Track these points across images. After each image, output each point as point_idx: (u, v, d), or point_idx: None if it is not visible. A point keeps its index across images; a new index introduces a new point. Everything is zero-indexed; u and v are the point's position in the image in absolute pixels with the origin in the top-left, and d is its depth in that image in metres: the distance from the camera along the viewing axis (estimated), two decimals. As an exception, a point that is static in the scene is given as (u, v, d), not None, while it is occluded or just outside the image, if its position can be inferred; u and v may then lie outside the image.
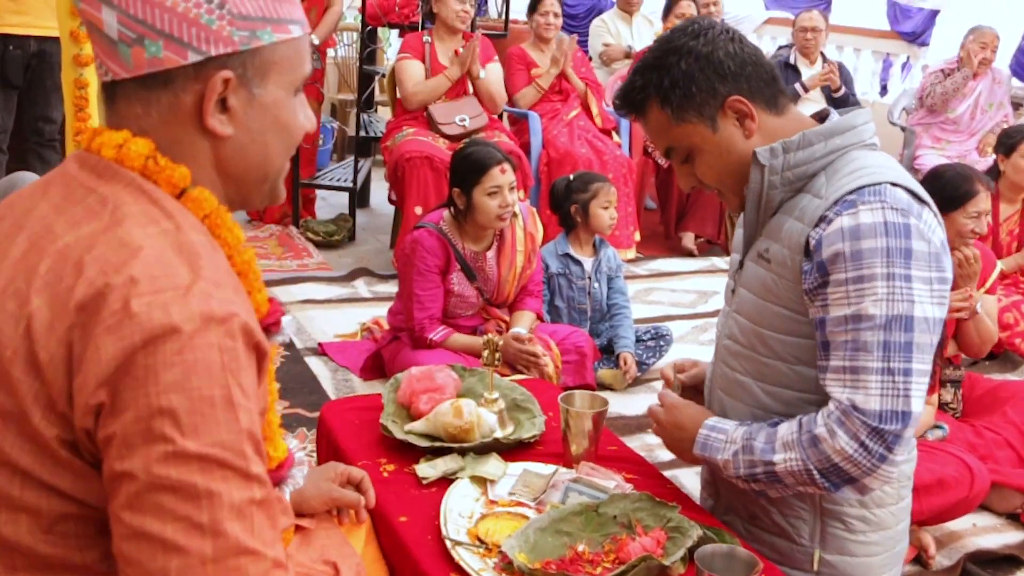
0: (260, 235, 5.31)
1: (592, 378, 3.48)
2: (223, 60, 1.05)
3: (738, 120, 1.67)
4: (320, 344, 3.84)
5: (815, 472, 1.58)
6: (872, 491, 1.67)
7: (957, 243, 2.92)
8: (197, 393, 0.93)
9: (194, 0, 1.03)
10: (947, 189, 2.90)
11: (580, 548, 1.58)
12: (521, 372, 3.11)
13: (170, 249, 0.99)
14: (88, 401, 0.93)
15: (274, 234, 5.35)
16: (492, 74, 5.00)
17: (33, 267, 0.99)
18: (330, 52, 6.29)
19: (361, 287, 4.61)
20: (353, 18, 6.85)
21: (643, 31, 6.35)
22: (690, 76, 1.65)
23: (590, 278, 3.75)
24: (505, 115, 5.37)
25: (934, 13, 7.58)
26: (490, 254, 3.35)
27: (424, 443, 1.91)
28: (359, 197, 5.75)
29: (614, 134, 5.50)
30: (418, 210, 4.44)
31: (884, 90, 7.92)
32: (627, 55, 6.17)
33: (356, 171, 5.57)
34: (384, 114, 6.32)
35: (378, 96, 6.54)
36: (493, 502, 1.75)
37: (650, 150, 5.58)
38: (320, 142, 6.06)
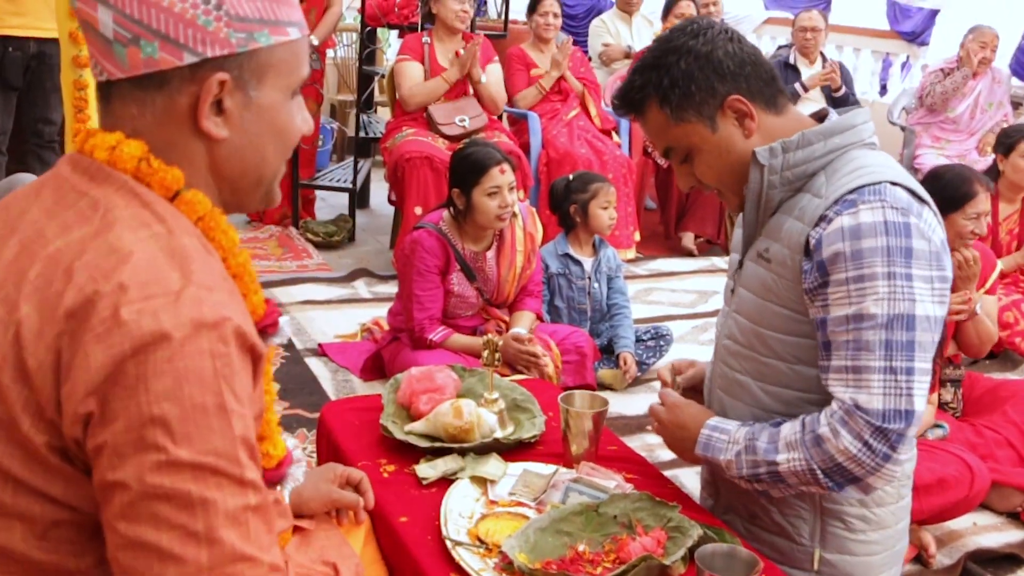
0: (260, 236, 5.31)
1: (592, 378, 3.48)
2: (219, 62, 1.04)
3: (737, 120, 1.67)
4: (320, 345, 3.84)
5: (819, 472, 1.58)
6: (876, 490, 1.67)
7: (957, 244, 2.92)
8: (189, 401, 0.92)
9: (191, 1, 1.02)
10: (946, 190, 2.90)
11: (580, 548, 1.58)
12: (521, 372, 3.11)
13: (161, 254, 0.98)
14: (77, 410, 0.92)
15: (274, 235, 5.35)
16: (492, 76, 5.00)
17: (23, 272, 0.98)
18: (329, 53, 6.29)
19: (361, 288, 4.61)
20: (352, 19, 6.84)
21: (642, 31, 6.35)
22: (689, 75, 1.65)
23: (590, 278, 3.75)
24: (504, 115, 5.37)
25: (934, 13, 7.58)
26: (490, 254, 3.35)
27: (424, 443, 1.91)
28: (359, 198, 5.75)
29: (614, 134, 5.50)
30: (418, 210, 4.44)
31: (884, 90, 7.92)
32: (626, 55, 6.16)
33: (356, 172, 5.57)
34: (384, 115, 6.32)
35: (378, 97, 6.54)
36: (493, 502, 1.75)
37: (650, 150, 5.58)
38: (320, 143, 6.06)
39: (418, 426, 1.95)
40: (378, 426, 1.97)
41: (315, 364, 3.67)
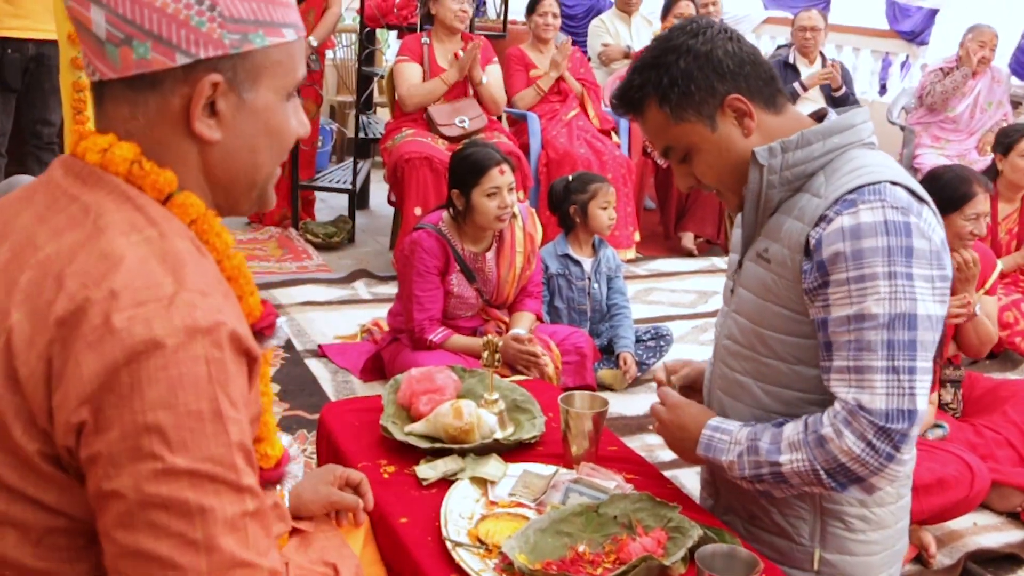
0: (260, 237, 5.32)
1: (592, 378, 3.48)
2: (212, 63, 1.03)
3: (737, 119, 1.67)
4: (320, 346, 3.84)
5: (822, 472, 1.58)
6: (879, 490, 1.66)
7: (956, 245, 2.92)
8: (184, 408, 0.91)
9: (184, 1, 1.00)
10: (945, 191, 2.89)
11: (580, 549, 1.58)
12: (521, 373, 3.10)
13: (153, 258, 0.97)
14: (69, 419, 0.92)
15: (273, 236, 5.35)
16: (492, 76, 5.00)
17: (14, 279, 0.97)
18: (329, 54, 6.29)
19: (361, 289, 4.61)
20: (352, 19, 6.84)
21: (642, 31, 6.35)
22: (689, 75, 1.64)
23: (590, 278, 3.75)
24: (504, 116, 5.37)
25: (933, 12, 7.58)
26: (489, 255, 3.35)
27: (424, 444, 1.90)
28: (358, 199, 5.75)
29: (613, 134, 5.50)
30: (417, 211, 4.44)
31: (883, 89, 7.91)
32: (626, 55, 6.16)
33: (355, 173, 5.57)
34: (383, 115, 6.32)
35: (377, 98, 6.54)
36: (493, 503, 1.75)
37: (649, 150, 5.58)
38: (319, 144, 6.07)
39: (418, 427, 1.95)
40: (378, 427, 1.97)
41: (315, 365, 3.67)
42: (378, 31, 6.19)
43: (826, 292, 1.58)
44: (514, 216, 3.35)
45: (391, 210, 5.17)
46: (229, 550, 0.92)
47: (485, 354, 2.10)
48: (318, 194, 5.87)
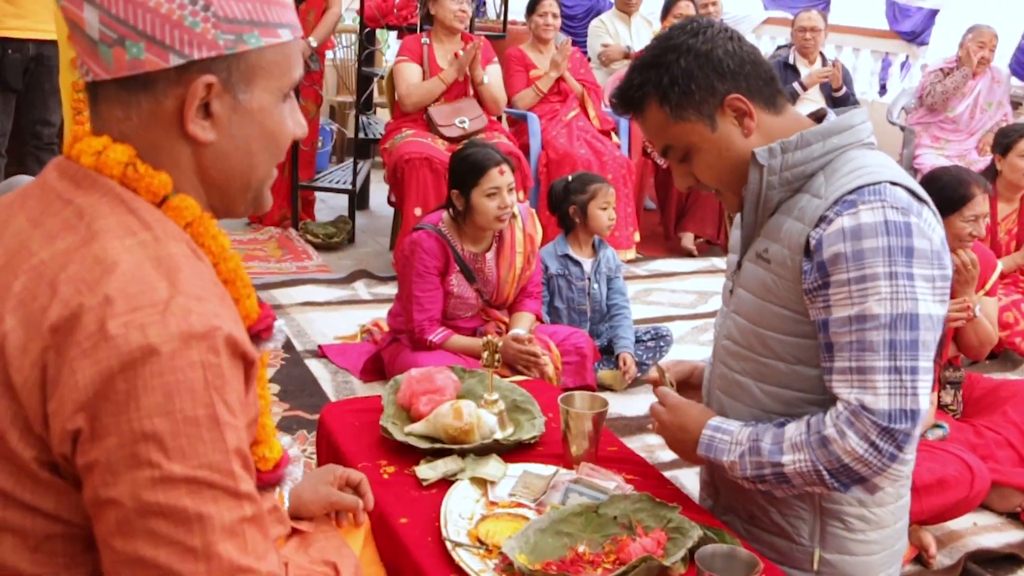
0: (259, 237, 5.32)
1: (592, 379, 3.48)
2: (206, 64, 1.01)
3: (737, 119, 1.67)
4: (320, 346, 3.84)
5: (824, 473, 1.58)
6: (881, 490, 1.67)
7: (955, 247, 2.91)
8: (181, 415, 0.91)
9: (178, 2, 0.99)
10: (944, 193, 2.89)
11: (580, 549, 1.58)
12: (521, 373, 3.10)
13: (148, 262, 0.95)
14: (65, 426, 0.91)
15: (273, 236, 5.35)
16: (493, 77, 5.00)
17: (7, 285, 0.96)
18: (328, 54, 6.29)
19: (361, 289, 4.61)
20: (351, 20, 6.84)
21: (642, 31, 6.35)
22: (689, 74, 1.64)
23: (589, 279, 3.75)
24: (504, 116, 5.37)
25: (933, 12, 7.58)
26: (489, 255, 3.35)
27: (424, 445, 1.90)
28: (358, 199, 5.75)
29: (613, 135, 5.50)
30: (417, 211, 4.44)
31: (883, 89, 7.92)
32: (626, 55, 6.16)
33: (355, 173, 5.57)
34: (383, 116, 6.32)
35: (377, 98, 6.54)
36: (493, 503, 1.75)
37: (649, 151, 5.58)
38: (319, 144, 6.06)
39: (418, 427, 1.95)
40: (378, 427, 1.97)
41: (315, 366, 3.67)
42: (378, 31, 6.19)
43: (827, 293, 1.58)
44: (514, 216, 3.35)
45: (391, 210, 5.17)
46: (228, 556, 0.92)
47: (485, 354, 2.10)
48: (318, 194, 5.87)
